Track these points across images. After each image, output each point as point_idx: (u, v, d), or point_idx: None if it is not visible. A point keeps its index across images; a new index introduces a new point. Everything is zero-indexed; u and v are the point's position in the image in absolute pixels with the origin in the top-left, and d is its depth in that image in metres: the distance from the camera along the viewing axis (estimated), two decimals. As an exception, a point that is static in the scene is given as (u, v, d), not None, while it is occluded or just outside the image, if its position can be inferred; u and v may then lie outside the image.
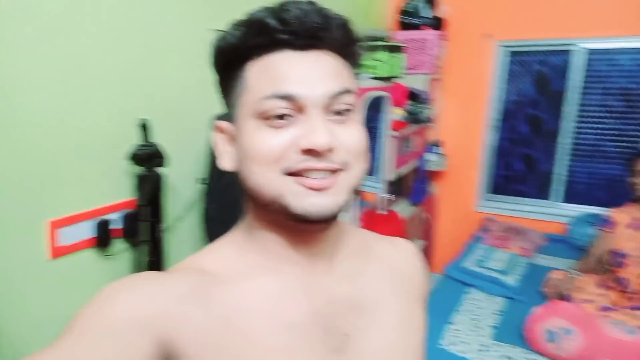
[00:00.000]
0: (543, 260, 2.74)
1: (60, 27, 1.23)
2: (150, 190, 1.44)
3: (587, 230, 2.78)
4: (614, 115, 3.00)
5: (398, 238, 0.72)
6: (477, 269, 2.45)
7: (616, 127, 3.00)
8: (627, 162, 2.31)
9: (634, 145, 2.94)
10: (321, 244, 0.57)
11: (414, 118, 2.76)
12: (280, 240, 0.56)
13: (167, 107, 1.58)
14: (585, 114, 3.07)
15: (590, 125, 3.07)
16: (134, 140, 1.43)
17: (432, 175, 3.30)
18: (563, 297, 2.14)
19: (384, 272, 0.63)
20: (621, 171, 2.98)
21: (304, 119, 0.50)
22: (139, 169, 1.45)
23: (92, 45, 1.32)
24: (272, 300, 0.54)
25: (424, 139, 3.05)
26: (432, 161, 3.01)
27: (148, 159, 1.44)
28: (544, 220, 3.14)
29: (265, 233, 0.56)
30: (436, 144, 3.18)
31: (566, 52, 3.05)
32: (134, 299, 0.48)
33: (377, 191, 2.41)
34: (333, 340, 0.54)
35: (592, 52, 2.97)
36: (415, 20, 3.01)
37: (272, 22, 0.50)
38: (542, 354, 1.82)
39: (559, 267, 2.58)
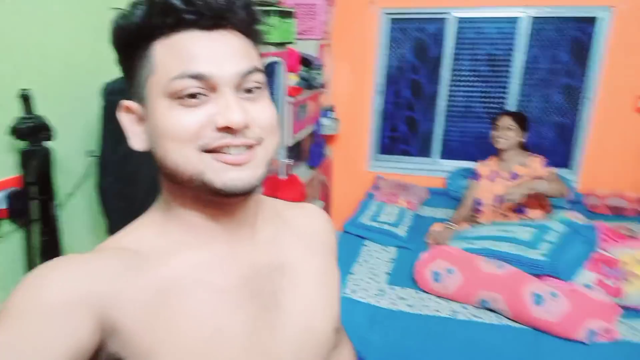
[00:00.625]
0: (427, 211, 3.06)
1: None
2: (37, 166, 1.33)
3: (462, 182, 3.14)
4: (481, 79, 3.37)
5: (306, 204, 0.79)
6: (372, 223, 2.65)
7: (483, 89, 3.38)
8: (492, 119, 2.65)
9: (498, 105, 3.34)
10: (242, 214, 0.60)
11: (307, 84, 2.83)
12: (202, 215, 0.58)
13: (51, 76, 1.44)
14: (457, 78, 3.39)
15: (461, 88, 3.41)
16: (15, 113, 1.29)
17: (327, 139, 3.44)
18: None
19: (299, 236, 0.68)
20: (488, 129, 3.39)
21: (216, 97, 0.52)
22: (22, 144, 1.33)
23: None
24: (201, 270, 0.56)
25: (318, 104, 3.14)
26: (327, 125, 3.13)
27: (32, 132, 1.32)
28: (427, 176, 3.47)
29: (186, 210, 0.58)
30: (329, 109, 3.31)
31: (440, 20, 3.31)
32: (65, 280, 0.49)
33: (278, 157, 2.47)
34: (261, 299, 0.59)
35: (462, 20, 3.25)
36: (302, -15, 3.03)
37: (177, 1, 0.50)
38: (430, 293, 2.06)
39: (440, 218, 2.90)
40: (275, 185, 2.37)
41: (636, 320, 1.85)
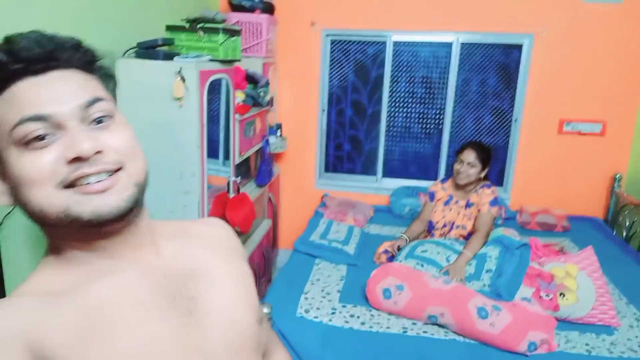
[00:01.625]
0: (374, 229, 3.12)
1: None
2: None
3: (404, 201, 3.25)
4: (418, 100, 3.53)
5: (207, 218, 0.87)
6: (322, 241, 2.66)
7: (421, 110, 3.54)
8: (455, 151, 2.67)
9: (435, 125, 3.51)
10: (134, 236, 0.62)
11: (254, 101, 2.81)
12: (92, 250, 0.59)
13: None
14: (396, 99, 3.53)
15: (400, 109, 3.55)
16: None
17: (275, 156, 3.42)
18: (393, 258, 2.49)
19: (204, 245, 0.72)
20: (426, 148, 3.56)
21: (64, 134, 0.54)
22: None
23: None
24: (118, 290, 0.58)
25: (265, 122, 3.13)
26: (274, 143, 3.12)
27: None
28: (371, 194, 3.56)
29: (76, 249, 0.59)
30: (276, 127, 3.30)
31: (379, 43, 3.44)
32: None
33: (225, 175, 2.41)
34: (182, 304, 0.63)
35: (400, 44, 3.41)
36: (245, 3, 3.04)
37: (1, 56, 0.53)
38: (381, 310, 2.09)
39: (386, 235, 2.97)
40: (224, 203, 2.31)
41: (570, 331, 1.99)
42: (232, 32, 2.40)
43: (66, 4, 1.69)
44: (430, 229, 2.69)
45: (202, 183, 2.06)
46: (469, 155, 2.51)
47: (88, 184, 0.54)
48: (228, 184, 2.37)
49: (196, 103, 1.96)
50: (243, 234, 2.54)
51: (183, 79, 1.91)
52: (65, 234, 0.58)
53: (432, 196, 2.71)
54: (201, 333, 0.62)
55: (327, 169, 3.72)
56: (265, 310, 1.86)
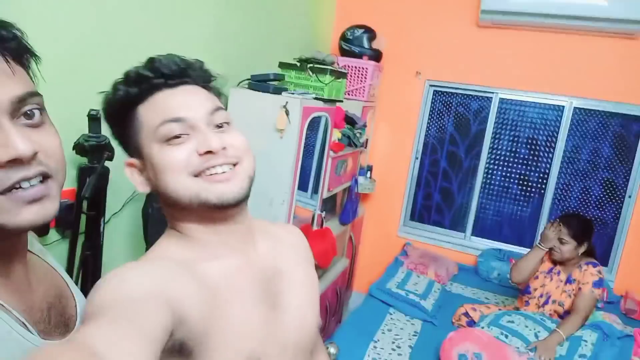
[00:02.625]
0: (456, 288, 2.96)
1: None
2: (94, 182, 1.35)
3: (493, 264, 3.05)
4: (520, 160, 3.36)
5: (287, 224, 0.99)
6: (398, 291, 2.58)
7: (522, 172, 3.36)
8: (550, 222, 2.41)
9: (537, 189, 3.30)
10: (241, 226, 0.73)
11: (349, 141, 2.87)
12: (208, 231, 0.70)
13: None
14: (496, 156, 3.39)
15: (500, 167, 3.39)
16: (83, 130, 1.34)
17: (361, 197, 3.43)
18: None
19: (286, 247, 0.83)
20: (524, 211, 3.34)
21: (196, 134, 0.67)
22: (82, 160, 1.35)
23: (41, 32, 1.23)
24: (228, 274, 0.69)
25: (356, 162, 3.17)
26: (362, 184, 3.14)
27: (94, 151, 1.35)
28: (457, 251, 3.39)
29: (197, 232, 0.70)
30: (367, 168, 3.32)
31: (483, 99, 3.36)
32: (141, 277, 0.58)
33: (311, 207, 2.46)
34: (270, 298, 0.73)
35: (505, 101, 3.30)
36: (355, 49, 3.16)
37: (146, 72, 0.67)
38: (453, 375, 1.95)
39: (469, 297, 2.79)
40: (307, 235, 2.34)
41: None
42: (339, 74, 2.50)
43: (199, 35, 1.89)
44: (525, 292, 2.47)
45: (289, 212, 2.11)
46: (562, 231, 2.29)
47: (215, 174, 0.66)
48: (313, 216, 2.40)
49: (296, 136, 2.05)
50: (321, 268, 2.54)
51: (287, 113, 2.01)
52: (191, 216, 0.69)
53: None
54: (280, 328, 0.73)
55: (412, 217, 3.63)
56: (332, 350, 1.82)
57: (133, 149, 0.70)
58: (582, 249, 2.31)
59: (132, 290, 0.55)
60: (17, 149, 0.47)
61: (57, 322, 0.61)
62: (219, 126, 0.69)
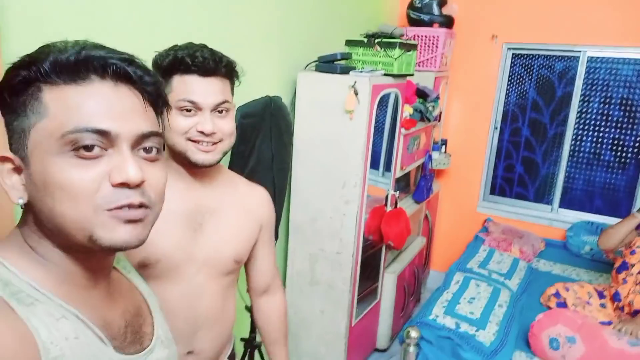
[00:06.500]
0: (543, 265, 2.79)
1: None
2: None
3: (584, 238, 2.83)
4: (613, 124, 3.04)
5: (256, 186, 1.14)
6: (481, 271, 2.48)
7: (615, 136, 3.05)
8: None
9: (633, 155, 2.99)
10: (211, 170, 1.02)
11: (421, 116, 2.75)
12: (195, 174, 1.02)
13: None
14: (585, 121, 3.10)
15: (589, 132, 3.11)
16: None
17: (436, 173, 3.31)
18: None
19: (238, 199, 1.07)
20: (617, 180, 3.05)
21: (201, 114, 0.93)
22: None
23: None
24: (172, 195, 0.73)
25: (429, 137, 3.05)
26: (437, 160, 3.02)
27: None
28: (543, 225, 3.19)
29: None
30: (441, 143, 3.19)
31: (569, 59, 3.06)
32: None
33: (383, 186, 2.41)
34: (192, 224, 0.99)
35: (594, 60, 2.99)
36: (424, 17, 3.00)
37: (187, 59, 0.90)
38: None
39: (558, 274, 2.62)
40: (380, 216, 2.30)
41: None
42: (409, 47, 2.38)
43: (259, 19, 1.87)
44: (622, 268, 2.27)
45: (362, 194, 2.08)
46: None
47: (204, 145, 0.93)
48: (386, 197, 2.36)
49: (365, 116, 2.00)
50: (396, 249, 2.50)
51: (356, 93, 1.96)
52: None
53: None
54: (196, 245, 0.99)
55: (492, 192, 3.45)
56: (414, 334, 1.80)
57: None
58: None
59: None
60: (129, 174, 0.53)
61: (132, 340, 0.63)
62: (220, 111, 0.95)
